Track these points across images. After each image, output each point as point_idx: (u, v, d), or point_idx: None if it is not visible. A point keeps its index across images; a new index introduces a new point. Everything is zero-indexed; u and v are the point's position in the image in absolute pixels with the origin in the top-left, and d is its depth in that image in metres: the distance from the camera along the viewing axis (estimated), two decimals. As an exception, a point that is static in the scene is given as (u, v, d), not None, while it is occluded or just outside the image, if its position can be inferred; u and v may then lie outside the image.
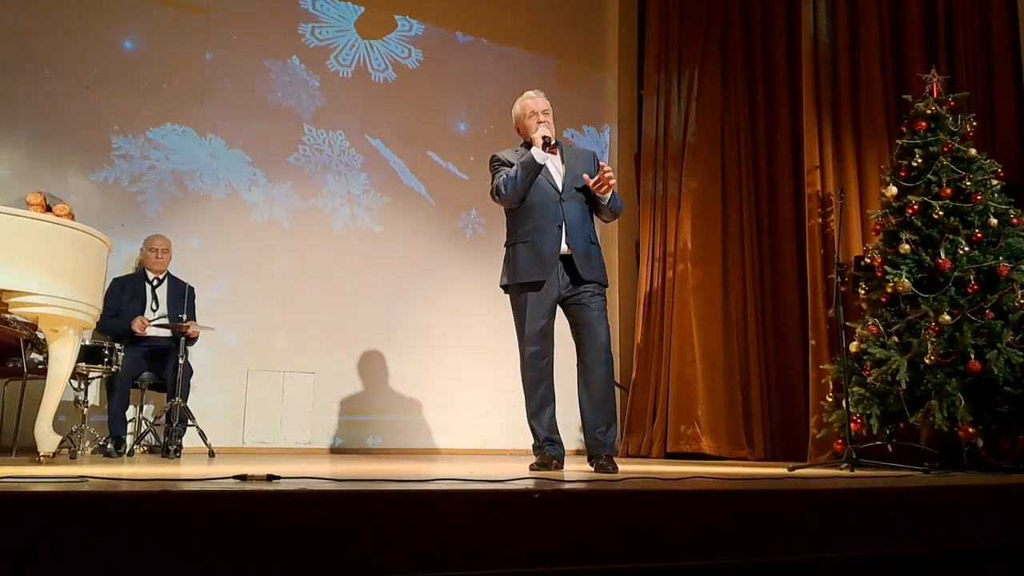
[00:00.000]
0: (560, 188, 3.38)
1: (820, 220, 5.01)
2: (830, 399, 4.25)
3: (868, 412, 3.89)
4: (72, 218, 3.45)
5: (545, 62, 6.97)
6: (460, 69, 6.61)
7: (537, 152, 3.34)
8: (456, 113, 6.57)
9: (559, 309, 3.39)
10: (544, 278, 3.28)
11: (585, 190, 3.39)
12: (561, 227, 3.31)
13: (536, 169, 3.34)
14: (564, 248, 3.30)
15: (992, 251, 3.79)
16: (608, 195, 3.39)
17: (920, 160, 4.06)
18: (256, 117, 5.82)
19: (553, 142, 3.39)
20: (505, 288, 3.46)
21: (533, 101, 3.50)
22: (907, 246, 3.94)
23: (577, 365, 3.33)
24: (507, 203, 3.42)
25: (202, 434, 4.51)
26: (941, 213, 3.89)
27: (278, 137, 5.87)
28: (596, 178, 3.33)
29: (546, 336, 3.34)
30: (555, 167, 3.43)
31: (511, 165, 3.40)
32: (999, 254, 3.76)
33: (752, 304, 5.64)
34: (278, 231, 5.76)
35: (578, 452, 5.48)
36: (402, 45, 6.44)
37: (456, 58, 6.64)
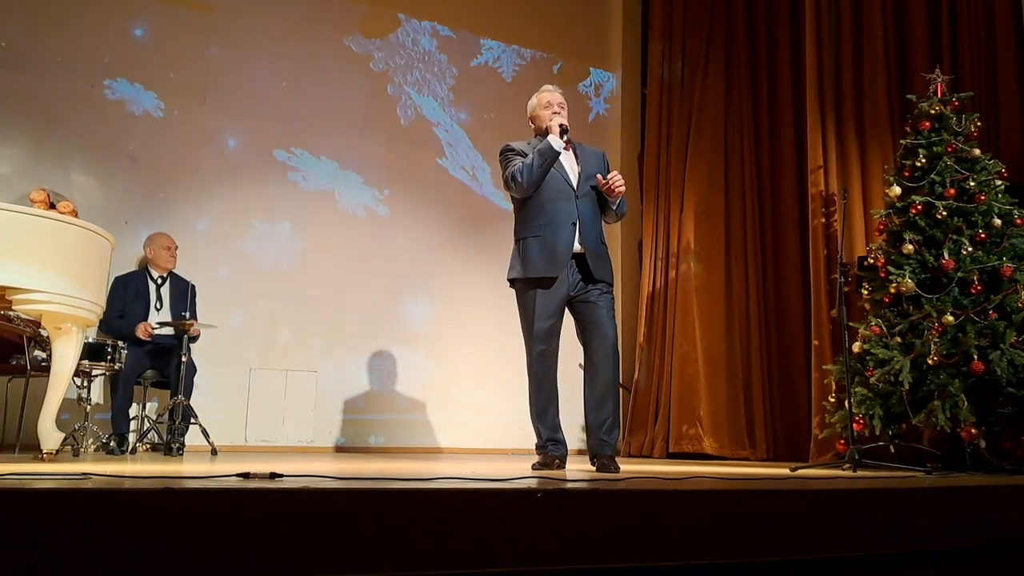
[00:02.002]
0: (575, 185, 3.37)
1: (823, 220, 5.01)
2: (832, 399, 4.24)
3: (871, 413, 3.88)
4: (75, 215, 3.46)
5: (548, 61, 6.97)
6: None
7: (554, 140, 3.32)
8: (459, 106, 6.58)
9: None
10: (556, 274, 3.26)
11: (596, 190, 3.40)
12: (575, 224, 3.30)
13: (553, 156, 3.31)
14: (577, 247, 3.29)
15: (996, 251, 3.79)
16: (617, 199, 3.39)
17: (924, 160, 4.06)
18: (257, 115, 5.82)
19: (568, 135, 3.38)
20: (511, 283, 3.43)
21: (551, 94, 3.51)
22: (910, 246, 3.93)
23: (584, 363, 3.32)
24: (522, 192, 3.35)
25: (205, 432, 4.51)
26: (945, 213, 3.89)
27: (276, 136, 5.87)
28: (606, 180, 3.32)
29: (554, 335, 3.32)
30: (570, 164, 3.42)
31: (525, 155, 3.37)
32: (1003, 254, 3.75)
33: (755, 304, 5.64)
34: (280, 229, 5.76)
35: (580, 452, 5.48)
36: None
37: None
